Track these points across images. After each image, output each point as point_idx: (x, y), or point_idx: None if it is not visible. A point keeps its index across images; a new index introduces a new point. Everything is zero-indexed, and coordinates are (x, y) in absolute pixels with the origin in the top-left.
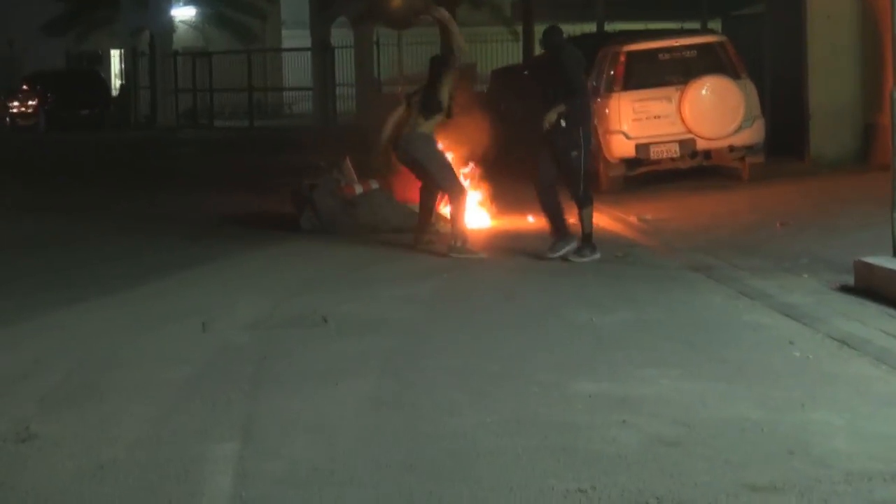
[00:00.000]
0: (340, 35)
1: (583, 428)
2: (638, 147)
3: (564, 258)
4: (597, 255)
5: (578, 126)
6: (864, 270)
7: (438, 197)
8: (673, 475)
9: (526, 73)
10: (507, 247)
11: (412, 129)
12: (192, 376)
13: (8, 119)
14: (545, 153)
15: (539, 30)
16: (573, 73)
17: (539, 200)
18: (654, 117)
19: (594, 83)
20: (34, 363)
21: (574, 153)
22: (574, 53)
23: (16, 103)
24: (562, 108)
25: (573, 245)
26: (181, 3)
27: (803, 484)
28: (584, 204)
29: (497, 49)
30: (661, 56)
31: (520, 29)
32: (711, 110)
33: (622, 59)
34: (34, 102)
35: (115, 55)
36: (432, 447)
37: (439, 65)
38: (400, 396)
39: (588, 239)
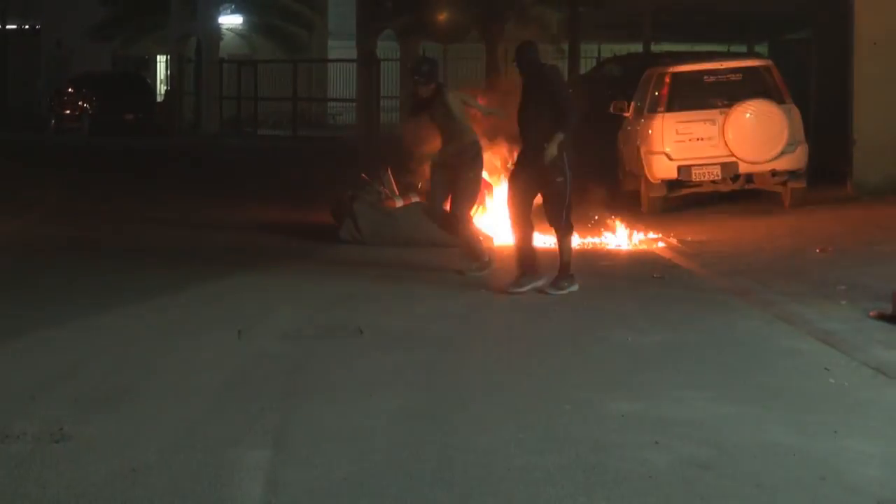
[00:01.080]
0: (386, 48)
1: (615, 447)
2: (680, 169)
3: (541, 291)
4: (575, 287)
5: (563, 151)
6: None
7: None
8: (703, 497)
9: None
10: (546, 264)
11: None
12: (226, 383)
13: (54, 121)
14: (522, 180)
15: (586, 49)
16: (564, 93)
17: (514, 232)
18: (697, 139)
19: (638, 103)
20: (70, 365)
21: (559, 179)
22: (558, 70)
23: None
24: (560, 136)
25: (541, 281)
26: (229, 11)
27: None
28: (567, 232)
29: None
30: (706, 78)
31: (566, 47)
32: (755, 134)
33: (667, 80)
34: (80, 105)
35: (161, 61)
36: (463, 461)
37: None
38: (433, 410)
39: (566, 268)
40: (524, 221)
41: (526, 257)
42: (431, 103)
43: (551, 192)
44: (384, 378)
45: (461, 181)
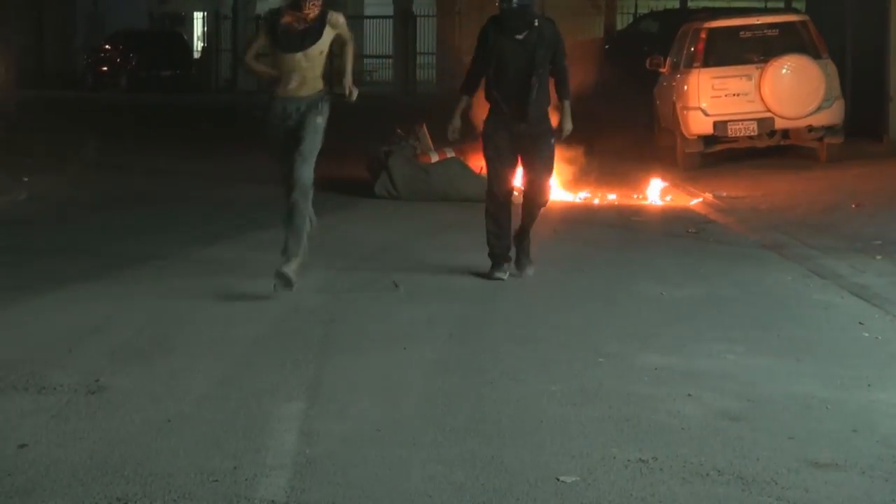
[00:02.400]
0: (423, 3)
1: (647, 400)
2: (716, 124)
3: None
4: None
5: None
6: None
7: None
8: (735, 449)
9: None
10: (581, 219)
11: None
12: (261, 336)
13: (90, 78)
14: (508, 150)
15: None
16: (564, 58)
17: (493, 214)
18: (734, 95)
19: (674, 59)
20: (106, 319)
21: (551, 151)
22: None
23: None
24: (568, 108)
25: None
26: None
27: (865, 462)
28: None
29: (579, 22)
30: (742, 34)
31: (603, 2)
32: (791, 89)
33: (703, 35)
34: (117, 62)
35: (198, 17)
36: (496, 413)
37: None
38: (466, 362)
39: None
40: (509, 199)
41: (525, 241)
42: None
43: (544, 164)
44: (418, 331)
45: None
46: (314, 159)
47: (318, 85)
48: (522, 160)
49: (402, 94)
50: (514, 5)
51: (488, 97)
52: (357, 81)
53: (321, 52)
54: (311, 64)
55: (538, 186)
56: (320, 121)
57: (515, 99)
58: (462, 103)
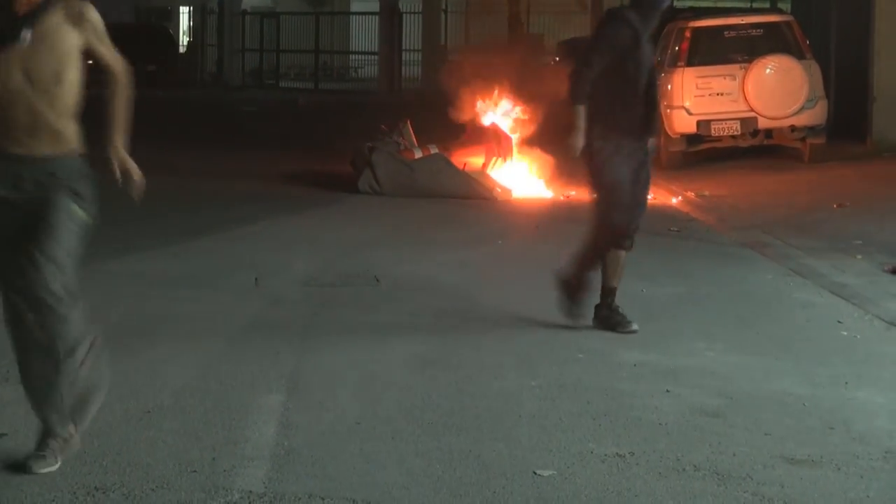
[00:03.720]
0: (409, 0)
1: (626, 395)
2: (699, 123)
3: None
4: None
5: None
6: None
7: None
8: (712, 445)
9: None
10: (564, 217)
11: None
12: (241, 328)
13: None
14: (631, 182)
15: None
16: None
17: (600, 245)
18: (717, 94)
19: (658, 58)
20: (86, 309)
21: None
22: None
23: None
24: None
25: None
26: None
27: (841, 459)
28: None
29: (565, 20)
30: (726, 33)
31: (588, 1)
32: (774, 89)
33: (687, 34)
34: None
35: (184, 12)
36: (475, 407)
37: None
38: (446, 357)
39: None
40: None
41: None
42: None
43: (645, 190)
44: (399, 325)
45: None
46: (68, 265)
47: (66, 140)
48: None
49: (387, 90)
50: None
51: (601, 108)
52: (342, 77)
53: (60, 72)
54: (41, 92)
55: (640, 216)
56: (77, 211)
57: (646, 109)
58: (583, 115)
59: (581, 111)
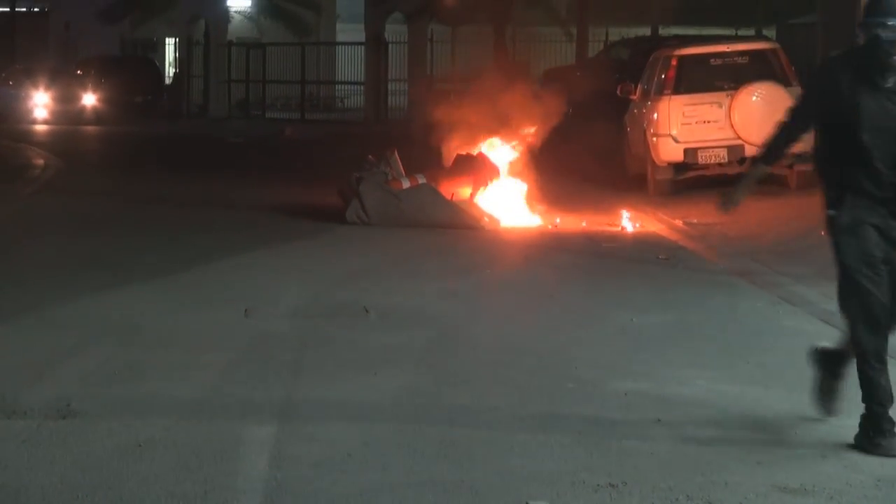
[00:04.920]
0: (395, 30)
1: (617, 425)
2: (686, 151)
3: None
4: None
5: None
6: None
7: None
8: (704, 474)
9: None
10: (552, 246)
11: None
12: (232, 361)
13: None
14: (879, 262)
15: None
16: None
17: (875, 352)
18: (704, 122)
19: (645, 86)
20: (78, 342)
21: None
22: None
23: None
24: None
25: None
26: None
27: (834, 487)
28: None
29: (551, 49)
30: (712, 61)
31: (574, 30)
32: (761, 117)
33: (674, 62)
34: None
35: (169, 43)
36: (467, 437)
37: None
38: (436, 387)
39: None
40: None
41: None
42: None
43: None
44: (389, 356)
45: None
46: None
47: None
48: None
49: (373, 120)
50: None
51: (830, 171)
52: (328, 107)
53: None
54: None
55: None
56: None
57: (891, 174)
58: (757, 173)
59: (758, 170)
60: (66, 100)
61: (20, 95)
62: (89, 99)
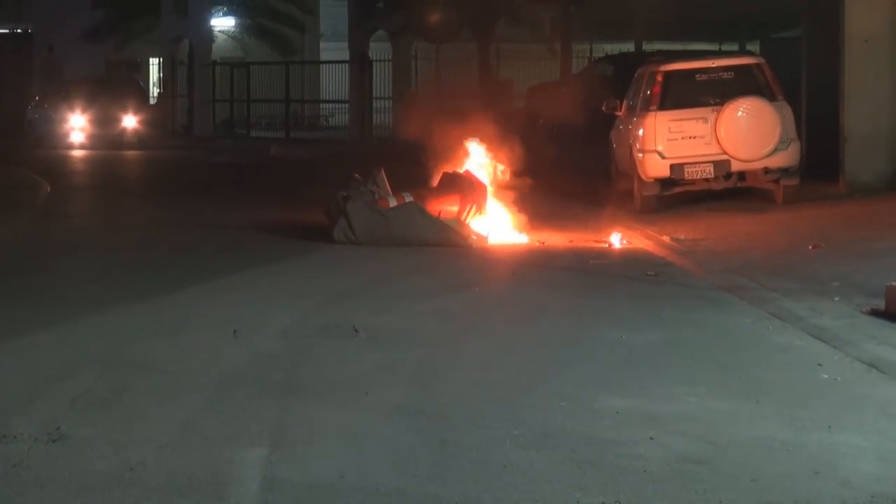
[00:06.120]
0: (379, 48)
1: (610, 443)
2: (673, 167)
3: None
4: None
5: None
6: (895, 295)
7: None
8: (698, 492)
9: None
10: (540, 263)
11: None
12: (222, 382)
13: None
14: None
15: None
16: None
17: None
18: (690, 137)
19: (630, 102)
20: (67, 366)
21: None
22: None
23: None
24: None
25: None
26: (220, 14)
27: None
28: None
29: (535, 66)
30: (698, 77)
31: (558, 47)
32: (747, 132)
33: (659, 78)
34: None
35: (153, 63)
36: (459, 457)
37: None
38: (428, 407)
39: None
40: None
41: None
42: None
43: None
44: (380, 376)
45: None
46: None
47: None
48: None
49: (358, 138)
50: None
51: None
52: (313, 126)
53: None
54: None
55: None
56: None
57: None
58: None
59: None
60: (104, 123)
61: (55, 118)
62: (130, 121)
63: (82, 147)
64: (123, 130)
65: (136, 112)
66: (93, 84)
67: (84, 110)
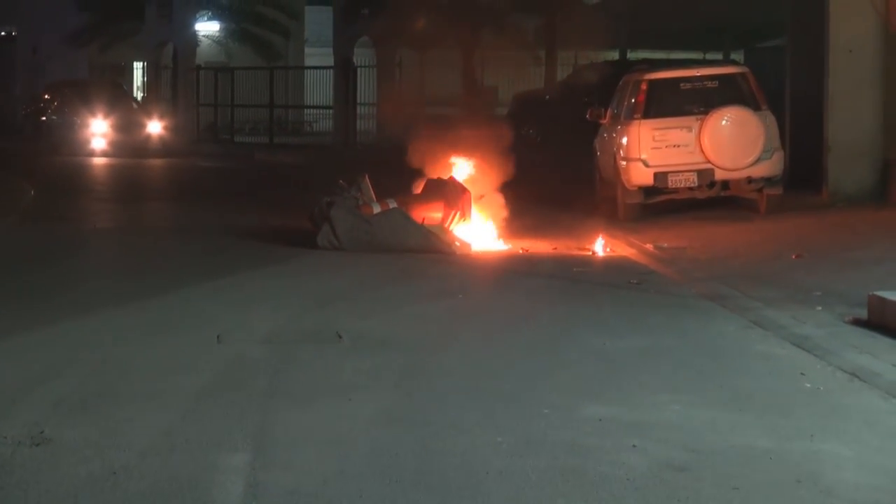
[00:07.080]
0: (363, 54)
1: (592, 451)
2: (656, 175)
3: None
4: None
5: None
6: (877, 304)
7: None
8: (680, 500)
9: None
10: (524, 270)
11: None
12: (205, 387)
13: (29, 127)
14: None
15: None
16: None
17: None
18: (674, 146)
19: (614, 110)
20: (50, 369)
21: None
22: None
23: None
24: None
25: None
26: (205, 18)
27: None
28: None
29: (520, 73)
30: (682, 85)
31: (543, 54)
32: (731, 141)
33: (644, 86)
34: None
35: (137, 67)
36: (442, 464)
37: None
38: (411, 413)
39: None
40: None
41: None
42: None
43: None
44: (363, 382)
45: None
46: None
47: None
48: None
49: (342, 144)
50: None
51: None
52: (297, 131)
53: None
54: None
55: None
56: None
57: None
58: None
59: None
60: (126, 128)
61: (76, 124)
62: (154, 127)
63: (81, 153)
64: (148, 136)
65: (140, 115)
66: (74, 86)
67: (105, 116)
